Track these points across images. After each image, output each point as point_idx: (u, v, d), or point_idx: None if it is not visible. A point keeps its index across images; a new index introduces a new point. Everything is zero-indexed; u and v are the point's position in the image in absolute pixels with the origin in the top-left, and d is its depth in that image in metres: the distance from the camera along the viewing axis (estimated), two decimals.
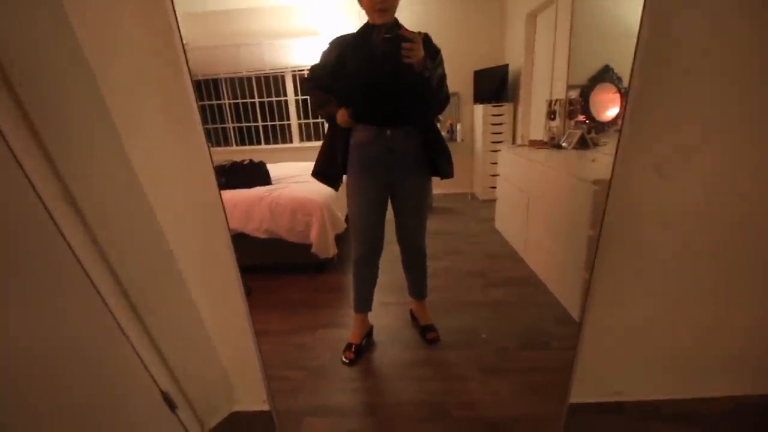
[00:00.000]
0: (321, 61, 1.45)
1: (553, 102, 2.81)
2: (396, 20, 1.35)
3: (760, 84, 0.93)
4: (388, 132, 1.41)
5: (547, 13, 3.15)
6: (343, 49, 1.40)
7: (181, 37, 0.84)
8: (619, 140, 0.92)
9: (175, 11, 0.82)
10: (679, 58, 0.90)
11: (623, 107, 0.93)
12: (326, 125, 1.55)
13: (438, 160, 1.49)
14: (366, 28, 1.37)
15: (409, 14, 1.41)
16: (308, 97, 1.59)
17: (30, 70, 0.75)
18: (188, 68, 0.90)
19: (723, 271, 1.16)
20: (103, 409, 0.97)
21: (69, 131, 0.83)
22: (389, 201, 1.58)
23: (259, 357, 1.15)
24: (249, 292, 2.27)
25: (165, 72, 0.89)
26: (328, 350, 1.72)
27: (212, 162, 0.98)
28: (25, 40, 0.74)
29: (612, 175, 0.95)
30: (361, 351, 1.68)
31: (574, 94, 2.57)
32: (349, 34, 1.42)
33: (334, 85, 1.43)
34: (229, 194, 2.45)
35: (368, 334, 1.77)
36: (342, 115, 1.42)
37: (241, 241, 2.41)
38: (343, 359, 1.62)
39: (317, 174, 1.55)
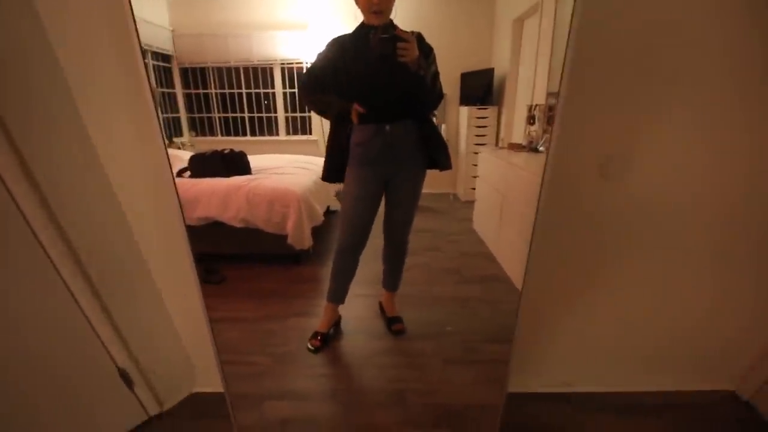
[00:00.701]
0: (319, 62, 1.49)
1: (533, 107, 2.87)
2: (391, 21, 1.39)
3: (695, 88, 0.99)
4: (388, 128, 1.46)
5: (533, 19, 3.22)
6: (340, 49, 1.45)
7: (138, 33, 0.85)
8: (550, 141, 0.98)
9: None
10: (607, 63, 0.95)
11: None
12: (313, 119, 1.60)
13: (436, 152, 1.55)
14: (362, 29, 1.42)
15: (401, 16, 1.46)
16: (305, 102, 1.64)
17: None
18: (146, 72, 0.92)
19: (665, 268, 1.22)
20: (57, 382, 0.98)
21: (33, 118, 0.84)
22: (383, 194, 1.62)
23: (212, 340, 1.17)
24: (223, 280, 2.29)
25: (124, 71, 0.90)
26: (296, 338, 1.74)
27: (167, 153, 0.99)
28: None
29: (543, 174, 1.01)
30: (327, 340, 1.70)
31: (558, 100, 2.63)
32: (345, 35, 1.46)
33: (333, 84, 1.46)
34: (207, 182, 2.45)
35: (336, 323, 1.79)
36: (354, 112, 1.45)
37: (217, 229, 2.41)
38: (309, 346, 1.65)
39: (330, 178, 1.59)
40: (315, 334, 1.69)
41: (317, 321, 1.84)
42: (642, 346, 1.35)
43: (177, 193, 1.03)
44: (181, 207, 1.04)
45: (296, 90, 4.49)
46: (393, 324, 1.78)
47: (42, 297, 0.94)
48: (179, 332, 1.29)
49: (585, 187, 1.07)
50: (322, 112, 1.55)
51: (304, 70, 4.42)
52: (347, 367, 1.59)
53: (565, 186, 1.06)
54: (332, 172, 1.57)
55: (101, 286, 1.03)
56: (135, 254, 1.11)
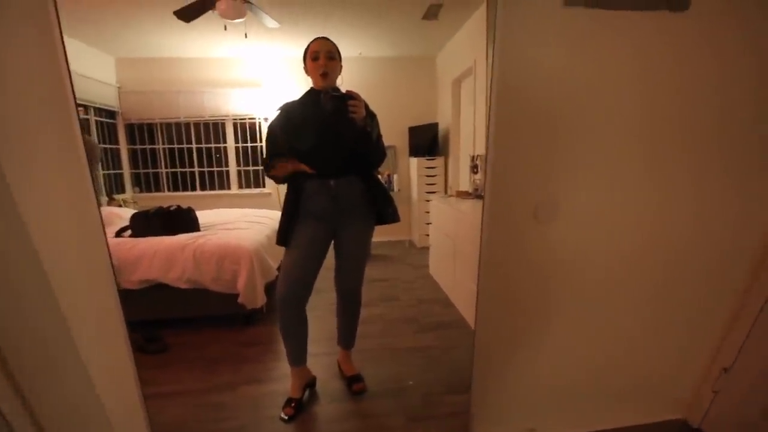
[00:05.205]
0: (272, 130, 1.55)
1: (475, 157, 3.09)
2: (337, 87, 1.51)
3: (604, 144, 1.13)
4: (332, 182, 1.50)
5: (470, 80, 3.57)
6: (291, 110, 1.53)
7: (72, 83, 0.84)
8: (484, 188, 1.06)
9: (67, 61, 0.82)
10: (528, 120, 1.08)
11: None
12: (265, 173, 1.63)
13: (382, 207, 1.60)
14: (311, 92, 1.53)
15: (354, 77, 1.60)
16: (266, 172, 1.65)
17: None
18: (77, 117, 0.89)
19: (606, 306, 1.30)
20: None
21: None
22: (332, 248, 1.62)
23: (147, 425, 1.04)
24: (164, 349, 2.09)
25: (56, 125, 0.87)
26: (249, 409, 1.60)
27: (100, 213, 0.93)
28: None
29: (482, 219, 1.08)
30: (301, 406, 1.59)
31: None
32: (294, 100, 1.56)
33: (285, 143, 1.51)
34: (149, 242, 2.31)
35: (310, 385, 1.69)
36: (292, 163, 1.48)
37: (160, 292, 2.24)
38: (282, 416, 1.53)
39: (285, 242, 1.56)
40: (288, 401, 1.57)
41: (274, 386, 1.72)
42: (595, 384, 1.39)
43: (110, 254, 0.96)
44: (113, 270, 0.97)
45: (249, 145, 4.52)
46: (353, 384, 1.70)
47: None
48: (109, 415, 1.14)
49: (524, 231, 1.15)
50: (275, 177, 1.57)
51: (257, 126, 4.50)
52: None
53: (505, 230, 1.14)
54: (287, 235, 1.56)
55: (14, 362, 0.90)
56: (58, 324, 0.99)
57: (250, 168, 4.65)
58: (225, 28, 2.95)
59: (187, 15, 2.57)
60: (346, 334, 1.77)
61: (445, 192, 4.09)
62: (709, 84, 1.12)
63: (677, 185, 1.20)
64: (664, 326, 1.36)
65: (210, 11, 2.52)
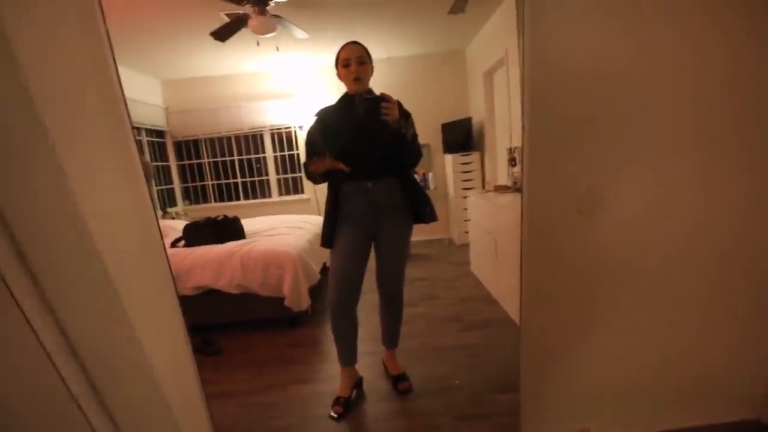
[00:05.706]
0: (310, 136, 1.61)
1: (513, 149, 3.00)
2: (371, 90, 1.54)
3: (650, 133, 1.06)
4: (369, 185, 1.52)
5: (502, 71, 3.47)
6: (327, 115, 1.58)
7: (124, 96, 0.91)
8: (522, 181, 1.03)
9: (117, 72, 0.88)
10: (566, 108, 1.03)
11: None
12: (304, 179, 1.66)
13: (419, 207, 1.61)
14: (345, 97, 1.57)
15: (383, 78, 1.61)
16: (306, 173, 1.69)
17: None
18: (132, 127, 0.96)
19: (660, 301, 1.21)
20: None
21: (23, 199, 0.86)
22: (372, 249, 1.65)
23: (210, 424, 1.11)
24: (219, 351, 2.22)
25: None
26: (297, 408, 1.66)
27: (159, 224, 1.01)
28: None
29: (522, 213, 1.04)
30: (350, 405, 1.63)
31: None
32: (330, 105, 1.61)
33: (323, 146, 1.55)
34: (201, 251, 2.45)
35: (358, 385, 1.73)
36: (330, 161, 1.50)
37: (212, 297, 2.38)
38: (332, 413, 1.58)
39: (329, 244, 1.61)
40: (337, 400, 1.62)
41: (321, 386, 1.77)
42: (652, 382, 1.30)
43: (169, 264, 1.03)
44: (174, 281, 1.04)
45: (286, 153, 4.68)
46: (399, 383, 1.72)
47: (26, 374, 0.90)
48: (175, 414, 1.23)
49: (568, 224, 1.10)
50: (313, 177, 1.61)
51: (293, 134, 4.65)
52: None
53: (547, 223, 1.10)
54: (330, 238, 1.60)
55: (93, 370, 1.00)
56: (127, 330, 1.08)
57: (289, 175, 4.81)
58: (257, 44, 3.08)
59: (222, 35, 2.71)
60: (390, 334, 1.79)
61: (483, 187, 4.01)
62: (764, 67, 1.02)
63: (731, 174, 1.10)
64: (725, 322, 1.25)
65: (243, 29, 2.65)
